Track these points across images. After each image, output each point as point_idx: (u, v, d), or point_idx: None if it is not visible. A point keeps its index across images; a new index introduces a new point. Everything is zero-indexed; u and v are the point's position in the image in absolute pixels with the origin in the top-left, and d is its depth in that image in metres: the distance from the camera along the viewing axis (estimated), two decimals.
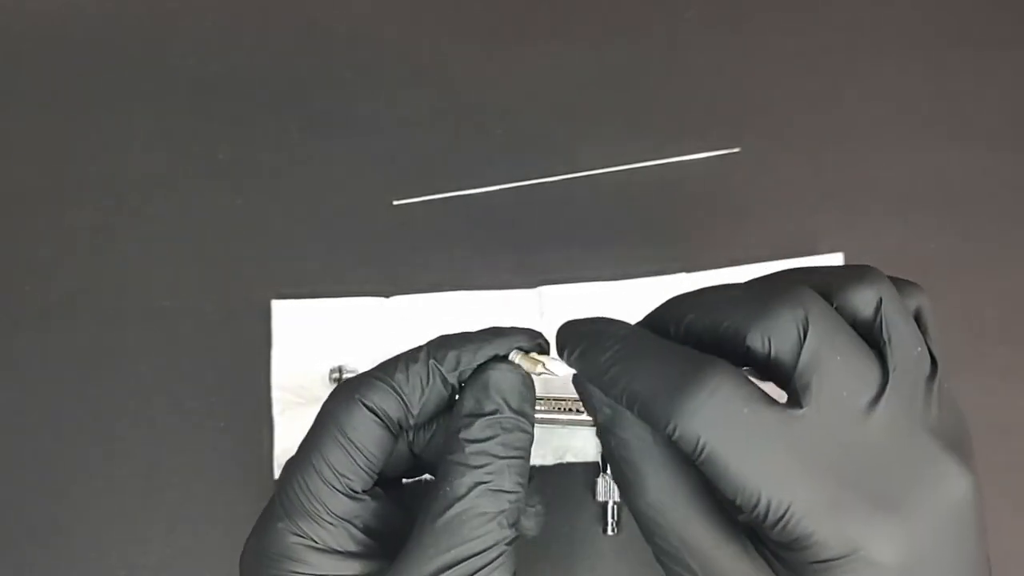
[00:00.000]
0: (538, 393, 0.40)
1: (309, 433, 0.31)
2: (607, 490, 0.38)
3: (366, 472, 0.30)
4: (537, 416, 0.39)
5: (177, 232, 0.45)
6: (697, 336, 0.26)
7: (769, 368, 0.25)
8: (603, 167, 0.45)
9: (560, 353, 0.29)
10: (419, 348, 0.32)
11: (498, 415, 0.30)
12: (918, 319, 0.26)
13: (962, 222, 0.44)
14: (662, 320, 0.28)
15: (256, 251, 0.44)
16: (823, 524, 0.23)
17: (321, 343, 0.42)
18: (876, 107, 0.47)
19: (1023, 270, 0.43)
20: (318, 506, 0.29)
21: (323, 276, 0.43)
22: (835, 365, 0.24)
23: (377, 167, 0.46)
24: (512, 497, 0.29)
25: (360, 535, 0.30)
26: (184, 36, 0.49)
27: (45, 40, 0.49)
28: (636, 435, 0.27)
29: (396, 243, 0.44)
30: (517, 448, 0.30)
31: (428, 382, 0.31)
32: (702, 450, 0.23)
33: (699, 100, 0.47)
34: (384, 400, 0.30)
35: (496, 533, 0.29)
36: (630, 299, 0.42)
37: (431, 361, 0.31)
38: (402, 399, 0.31)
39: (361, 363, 0.41)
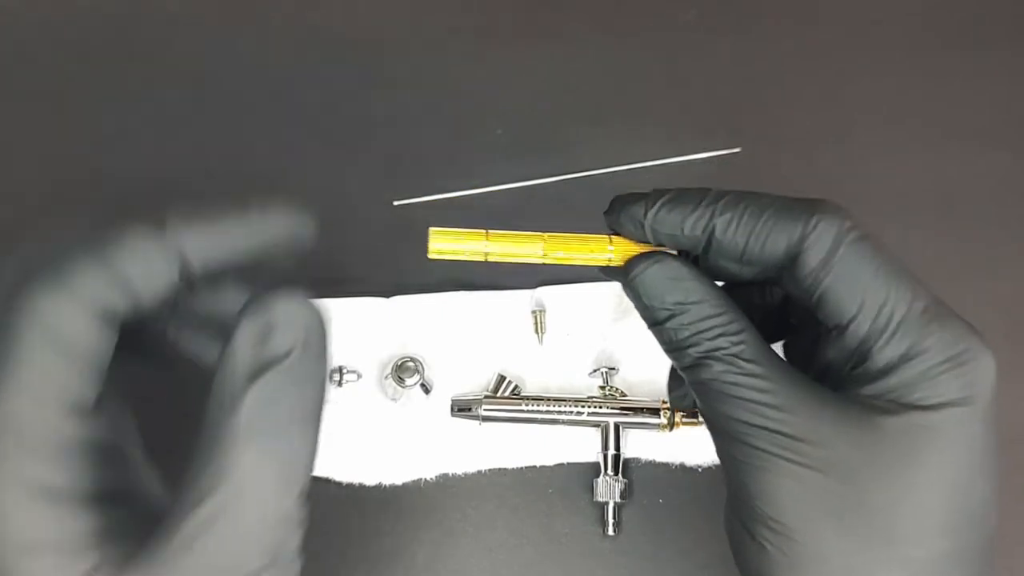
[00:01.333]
0: (537, 392, 0.40)
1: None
2: (607, 490, 0.38)
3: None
4: (537, 416, 0.39)
5: None
6: None
7: None
8: (603, 167, 0.45)
9: (633, 207, 0.30)
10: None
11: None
12: None
13: (962, 223, 0.44)
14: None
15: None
16: (943, 320, 0.28)
17: None
18: (876, 107, 0.47)
19: (1023, 270, 0.43)
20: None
21: (323, 276, 0.43)
22: None
23: (377, 167, 0.46)
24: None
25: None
26: (184, 36, 0.49)
27: (45, 40, 0.49)
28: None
29: (396, 243, 0.44)
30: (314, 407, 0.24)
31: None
32: (851, 238, 0.27)
33: (699, 100, 0.47)
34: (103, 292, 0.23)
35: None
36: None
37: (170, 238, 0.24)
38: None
39: (361, 363, 0.41)
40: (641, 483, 0.40)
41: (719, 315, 0.28)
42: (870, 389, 0.28)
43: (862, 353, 0.28)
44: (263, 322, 0.23)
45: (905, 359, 0.27)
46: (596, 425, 0.39)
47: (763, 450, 0.27)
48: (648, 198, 0.30)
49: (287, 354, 0.23)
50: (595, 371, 0.40)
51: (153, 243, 0.23)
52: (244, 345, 0.22)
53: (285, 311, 0.23)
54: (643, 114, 0.47)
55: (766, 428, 0.27)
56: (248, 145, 0.46)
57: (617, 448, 0.39)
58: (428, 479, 0.40)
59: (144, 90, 0.48)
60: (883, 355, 0.27)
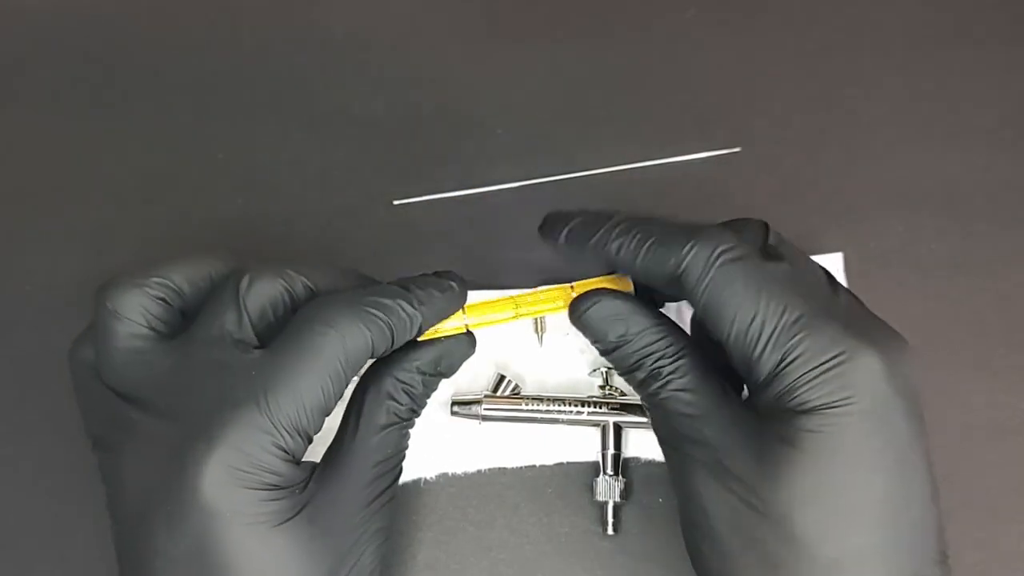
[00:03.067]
0: (537, 392, 0.40)
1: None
2: (607, 490, 0.38)
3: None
4: (537, 416, 0.39)
5: (177, 232, 0.45)
6: None
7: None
8: (603, 167, 0.45)
9: (557, 225, 0.34)
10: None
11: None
12: None
13: (962, 222, 0.44)
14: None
15: (256, 251, 0.44)
16: (815, 328, 0.29)
17: None
18: (876, 107, 0.47)
19: (1023, 270, 0.43)
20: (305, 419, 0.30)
21: None
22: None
23: (377, 167, 0.46)
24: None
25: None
26: (184, 36, 0.49)
27: (45, 40, 0.49)
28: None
29: (396, 243, 0.44)
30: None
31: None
32: (722, 261, 0.29)
33: (699, 100, 0.47)
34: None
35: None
36: None
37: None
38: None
39: None
40: (641, 483, 0.40)
41: (658, 341, 0.32)
42: (761, 399, 0.29)
43: (749, 365, 0.29)
44: (440, 350, 0.34)
45: (781, 367, 0.29)
46: (596, 425, 0.39)
47: (689, 455, 0.30)
48: (568, 215, 0.34)
49: (446, 374, 0.35)
50: (595, 371, 0.40)
51: (411, 310, 0.32)
52: (428, 362, 0.34)
53: (456, 347, 0.34)
54: (643, 114, 0.47)
55: (689, 437, 0.30)
56: (247, 144, 0.46)
57: (617, 448, 0.39)
58: (428, 478, 0.40)
59: (144, 90, 0.48)
60: (763, 366, 0.29)
